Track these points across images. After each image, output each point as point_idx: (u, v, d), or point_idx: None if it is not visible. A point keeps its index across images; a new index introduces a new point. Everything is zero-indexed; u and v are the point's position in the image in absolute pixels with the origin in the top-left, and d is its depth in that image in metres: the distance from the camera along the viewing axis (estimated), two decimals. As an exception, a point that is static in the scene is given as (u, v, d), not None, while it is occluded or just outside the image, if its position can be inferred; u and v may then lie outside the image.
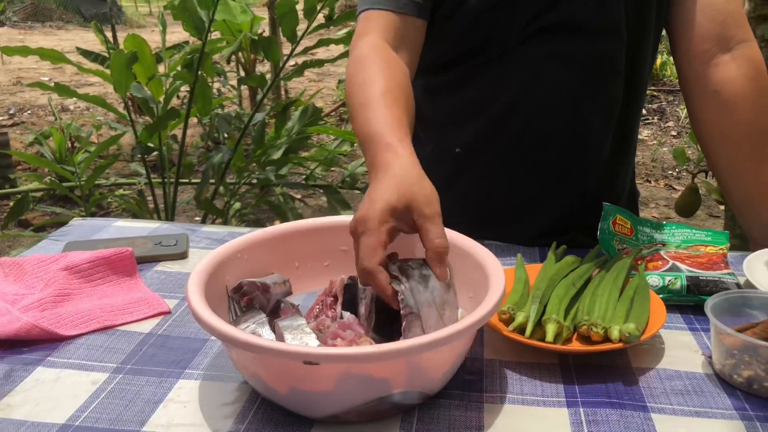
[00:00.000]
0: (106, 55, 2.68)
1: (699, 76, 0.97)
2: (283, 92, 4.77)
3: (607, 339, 0.69)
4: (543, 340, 0.69)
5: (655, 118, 5.66)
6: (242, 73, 4.28)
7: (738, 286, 0.81)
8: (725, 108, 0.96)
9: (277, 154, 2.67)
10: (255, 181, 2.78)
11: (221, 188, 2.67)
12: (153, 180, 2.56)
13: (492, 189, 1.02)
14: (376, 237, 0.63)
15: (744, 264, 0.86)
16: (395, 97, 0.81)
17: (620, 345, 0.68)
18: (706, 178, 3.16)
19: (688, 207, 3.29)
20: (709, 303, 0.70)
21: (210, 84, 2.75)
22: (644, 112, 5.73)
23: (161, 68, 2.77)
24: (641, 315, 0.72)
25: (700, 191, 2.97)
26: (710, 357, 0.71)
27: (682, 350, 0.73)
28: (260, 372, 0.60)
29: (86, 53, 2.93)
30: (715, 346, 0.69)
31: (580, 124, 0.97)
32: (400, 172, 0.68)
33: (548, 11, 0.92)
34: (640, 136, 5.14)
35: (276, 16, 2.17)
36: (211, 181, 2.48)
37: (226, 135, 3.93)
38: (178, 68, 2.54)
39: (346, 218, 0.75)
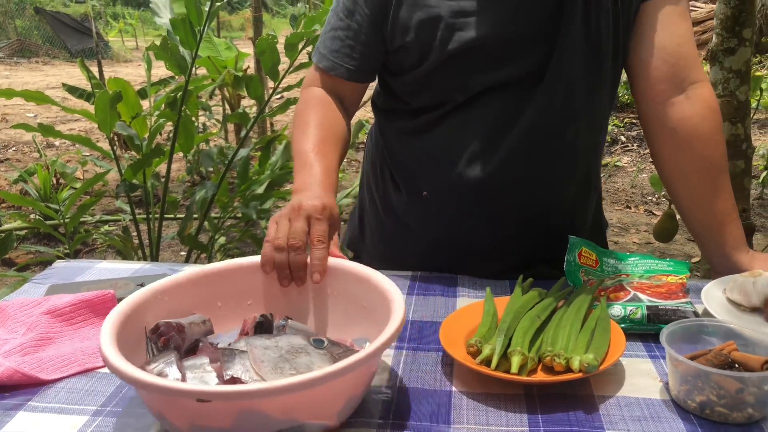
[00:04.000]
0: (92, 91, 2.72)
1: (656, 115, 1.03)
2: (268, 125, 4.83)
3: (569, 369, 0.73)
4: (509, 371, 0.72)
5: (635, 145, 5.77)
6: (228, 107, 4.34)
7: (695, 314, 0.85)
8: (682, 145, 1.01)
9: (260, 189, 2.70)
10: (240, 215, 2.81)
11: (206, 223, 2.70)
12: (138, 216, 2.58)
13: (458, 232, 1.06)
14: (302, 224, 0.83)
15: (702, 292, 0.90)
16: (325, 138, 1.01)
17: (580, 375, 0.71)
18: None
19: (665, 233, 3.36)
20: (665, 332, 0.74)
21: (194, 121, 2.79)
22: (623, 139, 5.84)
23: (146, 103, 2.81)
24: (601, 345, 0.75)
25: (677, 217, 3.03)
26: (667, 383, 0.74)
27: (643, 377, 0.76)
28: (163, 410, 0.62)
29: (72, 89, 2.97)
30: (670, 372, 0.73)
31: (541, 170, 1.02)
32: (322, 191, 0.90)
33: (508, 64, 0.97)
34: (620, 163, 5.25)
35: (256, 54, 2.22)
36: (195, 216, 2.50)
37: (210, 169, 3.97)
38: (162, 106, 2.58)
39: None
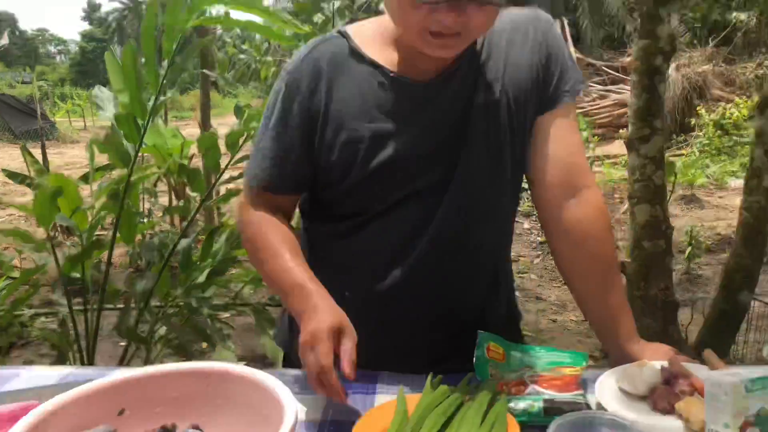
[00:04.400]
0: (33, 177, 2.72)
1: (552, 217, 1.14)
2: (215, 212, 4.87)
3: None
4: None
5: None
6: (173, 194, 4.38)
7: (587, 405, 0.93)
8: (575, 245, 1.12)
9: (201, 277, 2.73)
10: (181, 304, 2.81)
11: (146, 313, 2.68)
12: (75, 308, 2.56)
13: (377, 330, 1.13)
14: (328, 344, 0.92)
15: (596, 384, 0.99)
16: (294, 252, 1.09)
17: None
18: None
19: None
20: (552, 427, 0.81)
21: (135, 211, 2.82)
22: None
23: (89, 189, 2.82)
24: None
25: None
26: (558, 475, 0.81)
27: (538, 469, 0.83)
28: None
29: (12, 175, 2.95)
30: (559, 465, 0.80)
31: (451, 271, 1.12)
32: (328, 304, 0.99)
33: (420, 177, 1.08)
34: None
35: (198, 151, 2.31)
36: (134, 307, 2.50)
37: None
38: (104, 198, 2.61)
39: (175, 366, 0.88)
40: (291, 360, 1.24)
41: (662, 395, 0.95)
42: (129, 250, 4.37)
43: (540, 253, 5.30)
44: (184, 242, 2.60)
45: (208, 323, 2.91)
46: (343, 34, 1.11)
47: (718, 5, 13.62)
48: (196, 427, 0.87)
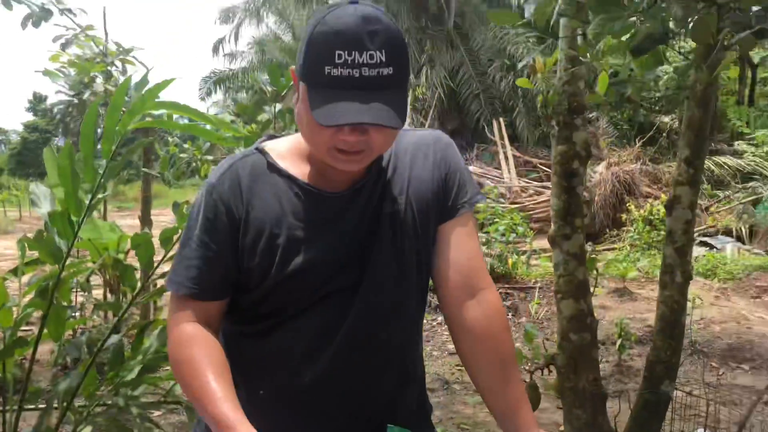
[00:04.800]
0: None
1: (454, 316, 1.24)
2: (152, 306, 4.79)
3: None
4: None
5: (510, 314, 6.16)
6: (108, 289, 4.31)
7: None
8: (475, 341, 1.22)
9: (131, 375, 2.68)
10: (109, 402, 2.73)
11: (69, 414, 2.60)
12: (-7, 410, 2.46)
13: (291, 428, 1.18)
14: None
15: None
16: (223, 378, 1.11)
17: None
18: (542, 375, 3.47)
19: (535, 399, 3.56)
20: None
21: (66, 305, 2.78)
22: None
23: (18, 283, 2.77)
24: None
25: (539, 388, 3.26)
26: None
27: None
28: None
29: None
30: None
31: (361, 367, 1.19)
32: None
33: (333, 280, 1.17)
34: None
35: (131, 248, 2.34)
36: (56, 407, 2.42)
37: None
38: (32, 294, 2.57)
39: None
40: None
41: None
42: (55, 348, 4.22)
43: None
44: (114, 338, 2.57)
45: (137, 423, 2.83)
46: (261, 151, 1.22)
47: (642, 109, 14.68)
48: None
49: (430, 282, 1.30)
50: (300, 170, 1.19)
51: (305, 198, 1.17)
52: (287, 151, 1.21)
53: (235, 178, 1.17)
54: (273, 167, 1.19)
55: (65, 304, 2.74)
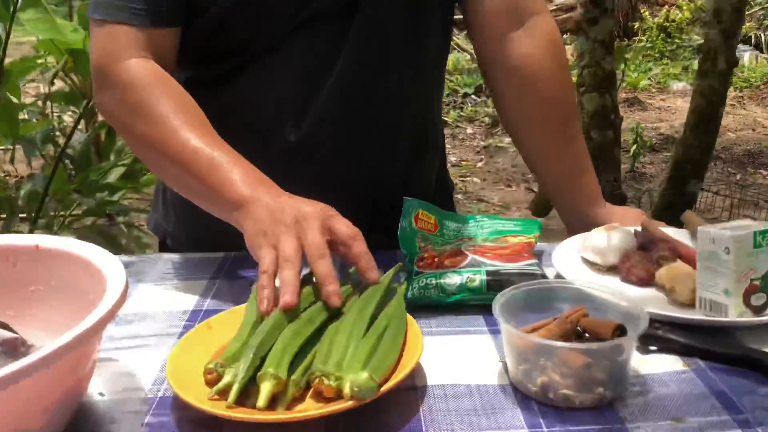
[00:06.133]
0: None
1: (496, 54, 0.89)
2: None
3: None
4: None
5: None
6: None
7: (543, 276, 0.71)
8: (526, 85, 0.88)
9: (110, 178, 2.39)
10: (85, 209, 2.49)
11: (43, 221, 2.35)
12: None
13: None
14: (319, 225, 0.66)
15: (553, 253, 0.77)
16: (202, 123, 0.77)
17: (351, 404, 0.50)
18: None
19: (542, 206, 3.36)
20: (499, 299, 0.59)
21: (17, 104, 2.43)
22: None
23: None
24: (388, 355, 0.55)
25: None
26: (506, 364, 0.59)
27: (480, 360, 0.61)
28: None
29: None
30: (507, 350, 0.58)
31: (364, 125, 0.85)
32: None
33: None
34: (501, 144, 5.26)
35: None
36: (24, 215, 2.17)
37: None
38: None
39: None
40: (168, 248, 0.98)
41: (637, 263, 0.74)
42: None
43: (483, 157, 5.11)
44: (77, 136, 2.25)
45: (123, 231, 2.60)
46: None
47: None
48: (4, 326, 0.62)
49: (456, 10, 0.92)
50: None
51: None
52: None
53: None
54: None
55: (15, 100, 2.39)
